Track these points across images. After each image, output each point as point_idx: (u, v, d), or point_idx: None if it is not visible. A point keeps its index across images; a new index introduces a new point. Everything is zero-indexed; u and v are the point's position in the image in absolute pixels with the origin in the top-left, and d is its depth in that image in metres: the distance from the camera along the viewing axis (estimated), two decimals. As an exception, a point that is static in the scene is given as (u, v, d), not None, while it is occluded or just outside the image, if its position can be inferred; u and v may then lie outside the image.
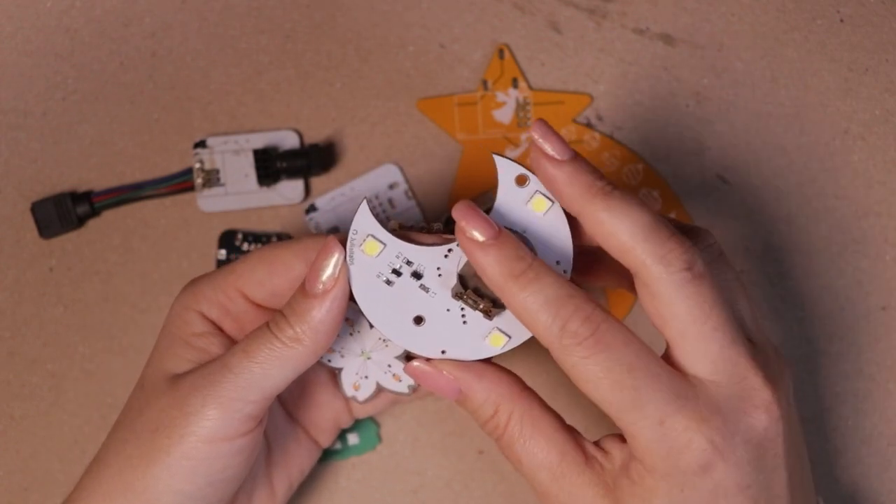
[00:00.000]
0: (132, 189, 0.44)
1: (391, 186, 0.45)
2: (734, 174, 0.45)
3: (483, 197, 0.45)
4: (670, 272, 0.31)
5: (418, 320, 0.33)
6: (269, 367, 0.33)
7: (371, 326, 0.36)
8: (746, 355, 0.31)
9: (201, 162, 0.44)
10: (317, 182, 0.45)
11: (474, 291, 0.33)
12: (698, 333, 0.31)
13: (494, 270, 0.31)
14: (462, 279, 0.33)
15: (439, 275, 0.33)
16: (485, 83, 0.45)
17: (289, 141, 0.45)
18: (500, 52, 0.45)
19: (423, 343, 0.33)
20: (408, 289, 0.33)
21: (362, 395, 0.38)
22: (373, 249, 0.33)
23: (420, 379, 0.34)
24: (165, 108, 0.45)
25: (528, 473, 0.33)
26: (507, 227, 0.32)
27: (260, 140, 0.44)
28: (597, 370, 0.30)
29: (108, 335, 0.44)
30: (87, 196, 0.44)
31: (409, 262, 0.33)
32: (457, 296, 0.33)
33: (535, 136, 0.32)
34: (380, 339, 0.37)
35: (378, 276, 0.33)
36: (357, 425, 0.44)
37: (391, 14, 0.45)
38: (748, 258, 0.45)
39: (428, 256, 0.33)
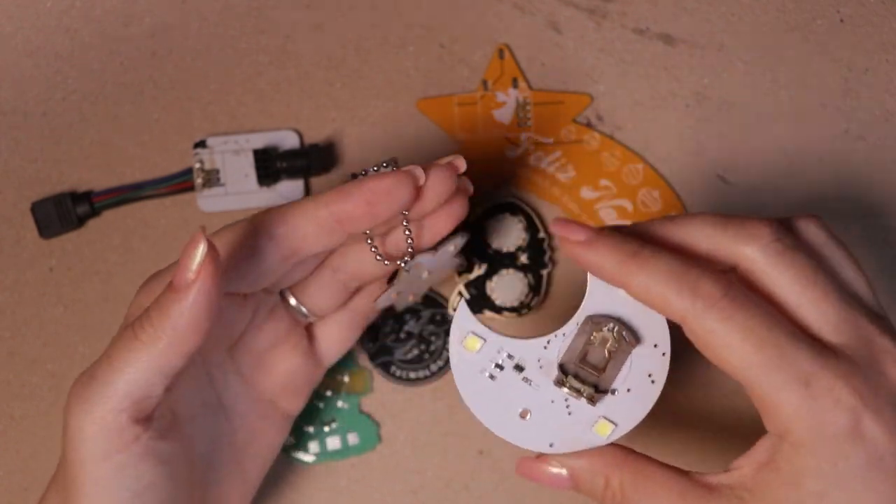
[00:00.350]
0: (132, 189, 0.44)
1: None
2: (734, 174, 0.45)
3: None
4: (763, 245, 0.31)
5: (524, 414, 0.34)
6: (132, 371, 0.31)
7: (435, 257, 0.36)
8: (867, 317, 0.30)
9: (201, 162, 0.44)
10: (317, 182, 0.45)
11: (575, 378, 0.33)
12: (810, 299, 0.30)
13: (608, 260, 0.31)
14: (562, 367, 0.34)
15: (540, 366, 0.34)
16: (485, 83, 0.45)
17: (289, 141, 0.45)
18: (500, 52, 0.45)
19: (531, 437, 0.33)
20: (511, 382, 0.34)
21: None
22: (473, 345, 0.34)
23: (531, 477, 0.34)
24: (165, 108, 0.45)
25: None
26: (601, 315, 0.33)
27: (260, 140, 0.44)
28: (737, 331, 0.29)
29: (108, 335, 0.44)
30: (87, 196, 0.44)
31: (510, 356, 0.34)
32: (559, 383, 0.33)
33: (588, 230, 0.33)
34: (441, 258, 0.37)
35: (482, 372, 0.34)
36: (357, 425, 0.44)
37: (391, 14, 0.45)
38: (748, 258, 0.45)
39: (528, 349, 0.34)
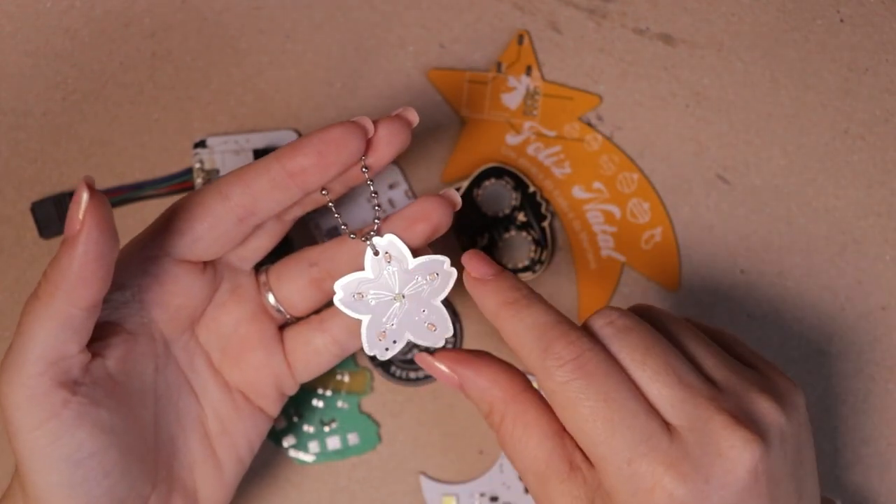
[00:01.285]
0: (132, 189, 0.44)
1: (391, 186, 0.45)
2: (734, 174, 0.45)
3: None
4: (598, 328, 0.32)
5: None
6: (39, 331, 0.31)
7: (411, 265, 0.35)
8: (705, 396, 0.31)
9: (201, 162, 0.44)
10: (317, 182, 0.45)
11: None
12: (645, 381, 0.31)
13: (490, 301, 0.33)
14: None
15: (508, 487, 0.43)
16: (499, 65, 0.45)
17: (289, 141, 0.45)
18: (520, 38, 0.45)
19: None
20: None
21: (385, 349, 0.36)
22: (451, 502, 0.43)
23: (425, 368, 0.35)
24: (165, 108, 0.45)
25: (519, 472, 0.34)
26: None
27: (260, 140, 0.44)
28: (574, 396, 0.31)
29: (109, 335, 0.44)
30: (87, 196, 0.44)
31: (482, 494, 0.43)
32: (527, 491, 0.42)
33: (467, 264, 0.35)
34: (418, 277, 0.36)
35: None
36: (357, 425, 0.44)
37: (391, 14, 0.45)
38: (748, 258, 0.45)
39: (490, 481, 0.43)
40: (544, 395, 0.32)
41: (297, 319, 0.39)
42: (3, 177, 0.45)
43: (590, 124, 0.45)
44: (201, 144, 0.44)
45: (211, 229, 0.34)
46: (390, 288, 0.35)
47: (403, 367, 0.44)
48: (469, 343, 0.44)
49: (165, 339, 0.36)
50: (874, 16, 0.45)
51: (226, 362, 0.38)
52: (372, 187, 0.35)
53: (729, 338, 0.36)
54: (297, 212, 0.36)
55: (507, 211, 0.44)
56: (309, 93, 0.45)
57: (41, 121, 0.45)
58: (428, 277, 0.35)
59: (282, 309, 0.38)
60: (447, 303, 0.36)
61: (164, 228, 0.34)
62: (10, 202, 0.45)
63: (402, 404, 0.44)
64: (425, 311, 0.36)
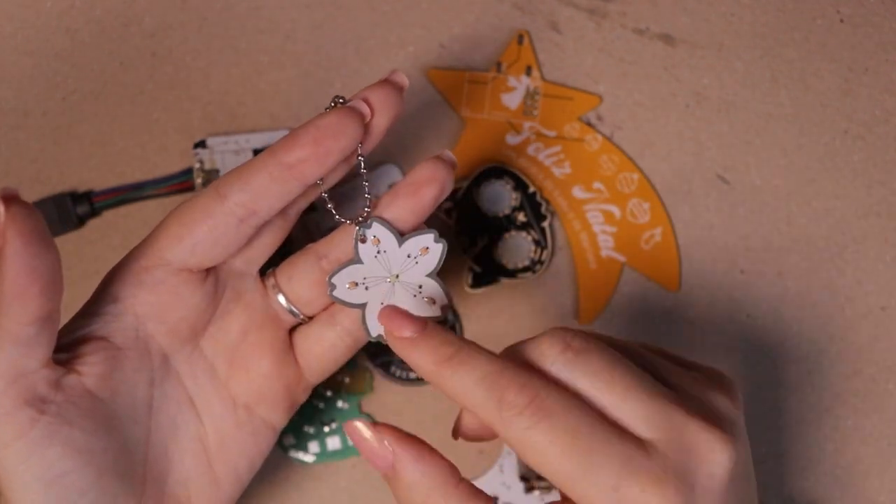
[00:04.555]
0: (132, 189, 0.44)
1: (391, 186, 0.45)
2: (734, 174, 0.45)
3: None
4: (552, 361, 0.31)
5: None
6: None
7: (400, 245, 0.35)
8: (675, 403, 0.30)
9: (201, 162, 0.44)
10: (317, 182, 0.45)
11: (538, 479, 0.42)
12: (614, 401, 0.30)
13: (425, 361, 0.31)
14: (524, 478, 0.43)
15: (508, 488, 0.43)
16: (499, 65, 0.45)
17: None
18: (520, 38, 0.45)
19: None
20: None
21: None
22: None
23: (356, 441, 0.33)
24: (165, 108, 0.45)
25: None
26: None
27: (260, 140, 0.44)
28: (541, 439, 0.29)
29: (109, 335, 0.44)
30: (87, 196, 0.44)
31: None
32: (529, 490, 0.42)
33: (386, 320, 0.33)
34: (409, 255, 0.35)
35: None
36: (357, 425, 0.44)
37: (391, 14, 0.45)
38: (748, 258, 0.45)
39: (490, 483, 0.43)
40: (511, 445, 0.31)
41: (309, 319, 0.37)
42: (3, 177, 0.45)
43: (590, 124, 0.45)
44: (201, 144, 0.44)
45: (210, 232, 0.33)
46: (383, 270, 0.35)
47: (403, 367, 0.44)
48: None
49: (164, 353, 0.35)
50: (874, 16, 0.45)
51: (234, 373, 0.36)
52: (363, 167, 0.34)
53: (658, 349, 0.35)
54: (302, 204, 0.35)
55: (507, 211, 0.44)
56: (309, 93, 0.45)
57: (41, 121, 0.45)
58: (419, 252, 0.35)
59: (294, 309, 0.37)
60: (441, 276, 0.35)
61: (161, 236, 0.33)
62: (10, 202, 0.45)
63: (403, 404, 0.44)
64: (422, 287, 0.35)
